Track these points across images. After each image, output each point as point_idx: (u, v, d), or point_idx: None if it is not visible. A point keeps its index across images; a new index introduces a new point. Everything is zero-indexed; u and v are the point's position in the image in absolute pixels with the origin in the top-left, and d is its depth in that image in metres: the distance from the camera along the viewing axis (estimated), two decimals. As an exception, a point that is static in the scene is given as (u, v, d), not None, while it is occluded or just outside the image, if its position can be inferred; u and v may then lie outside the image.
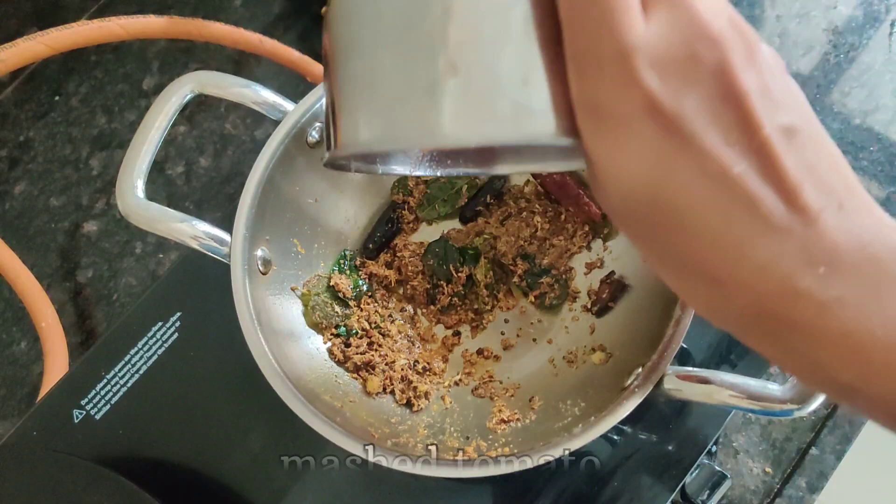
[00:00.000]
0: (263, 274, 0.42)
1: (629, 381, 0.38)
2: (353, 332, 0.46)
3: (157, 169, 0.64)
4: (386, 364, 0.45)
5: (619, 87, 0.21)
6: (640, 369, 0.38)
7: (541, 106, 0.23)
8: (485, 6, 0.22)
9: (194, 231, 0.41)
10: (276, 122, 0.43)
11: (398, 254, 0.49)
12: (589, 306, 0.46)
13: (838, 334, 0.22)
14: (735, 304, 0.23)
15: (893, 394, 0.22)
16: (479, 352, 0.47)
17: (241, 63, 0.68)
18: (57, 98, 0.69)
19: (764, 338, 0.24)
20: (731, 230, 0.22)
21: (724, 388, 0.35)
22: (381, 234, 0.49)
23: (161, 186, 0.64)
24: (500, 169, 0.32)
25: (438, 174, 0.38)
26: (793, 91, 0.23)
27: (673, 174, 0.22)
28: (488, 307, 0.48)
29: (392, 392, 0.44)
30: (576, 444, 0.36)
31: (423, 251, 0.49)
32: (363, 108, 0.25)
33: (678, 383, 0.37)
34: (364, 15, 0.24)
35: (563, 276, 0.47)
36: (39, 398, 0.50)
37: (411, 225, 0.50)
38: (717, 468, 0.45)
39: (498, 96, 0.23)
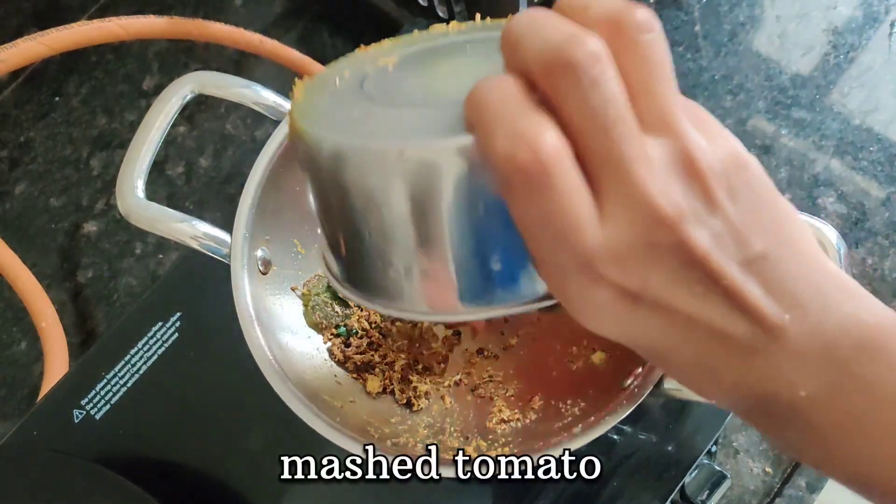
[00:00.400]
0: (263, 274, 0.42)
1: (629, 381, 0.38)
2: (353, 332, 0.46)
3: (157, 169, 0.64)
4: (386, 364, 0.45)
5: (586, 288, 0.22)
6: (640, 369, 0.38)
7: (511, 291, 0.25)
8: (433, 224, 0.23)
9: (194, 231, 0.41)
10: (276, 122, 0.43)
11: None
12: (589, 306, 0.46)
13: (805, 427, 0.24)
14: (721, 403, 0.26)
15: (857, 476, 0.24)
16: (479, 352, 0.47)
17: (241, 63, 0.69)
18: (57, 98, 0.69)
19: (755, 422, 0.26)
20: (705, 361, 0.24)
21: (724, 388, 0.35)
22: (381, 235, 0.49)
23: (161, 186, 0.64)
24: None
25: None
26: (763, 204, 0.23)
27: (647, 331, 0.23)
28: (488, 307, 0.48)
29: (392, 392, 0.44)
30: (576, 444, 0.36)
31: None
32: (364, 285, 0.27)
33: (678, 383, 0.37)
34: (333, 207, 0.25)
35: (563, 277, 0.47)
36: (39, 398, 0.50)
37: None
38: (716, 468, 0.45)
39: (470, 281, 0.24)
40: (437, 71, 0.26)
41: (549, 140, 0.20)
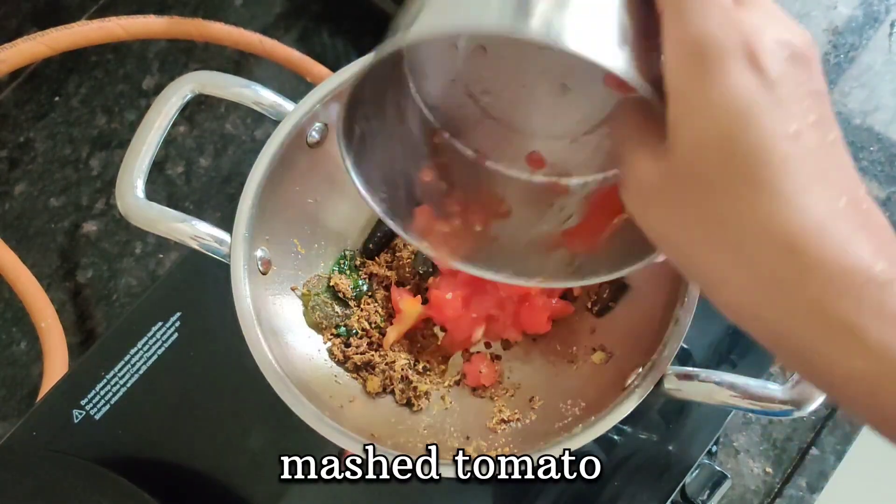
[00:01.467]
0: (263, 274, 0.42)
1: (629, 381, 0.38)
2: (353, 332, 0.46)
3: (157, 169, 0.64)
4: (386, 364, 0.45)
5: (723, 24, 0.22)
6: (640, 369, 0.38)
7: (628, 57, 0.24)
8: None
9: (194, 231, 0.41)
10: (276, 122, 0.43)
11: (398, 254, 0.49)
12: (589, 306, 0.46)
13: (867, 379, 0.22)
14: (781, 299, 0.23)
15: None
16: (480, 352, 0.47)
17: (241, 63, 0.68)
18: (57, 98, 0.68)
19: (786, 354, 0.24)
20: (804, 200, 0.22)
21: (724, 388, 0.35)
22: (382, 234, 0.49)
23: (161, 186, 0.64)
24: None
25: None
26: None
27: (757, 126, 0.22)
28: (488, 307, 0.48)
29: (392, 392, 0.44)
30: (576, 444, 0.36)
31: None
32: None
33: (678, 383, 0.36)
34: None
35: (563, 276, 0.47)
36: (39, 398, 0.50)
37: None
38: (717, 468, 0.45)
39: (598, 23, 0.24)
40: None
41: None
